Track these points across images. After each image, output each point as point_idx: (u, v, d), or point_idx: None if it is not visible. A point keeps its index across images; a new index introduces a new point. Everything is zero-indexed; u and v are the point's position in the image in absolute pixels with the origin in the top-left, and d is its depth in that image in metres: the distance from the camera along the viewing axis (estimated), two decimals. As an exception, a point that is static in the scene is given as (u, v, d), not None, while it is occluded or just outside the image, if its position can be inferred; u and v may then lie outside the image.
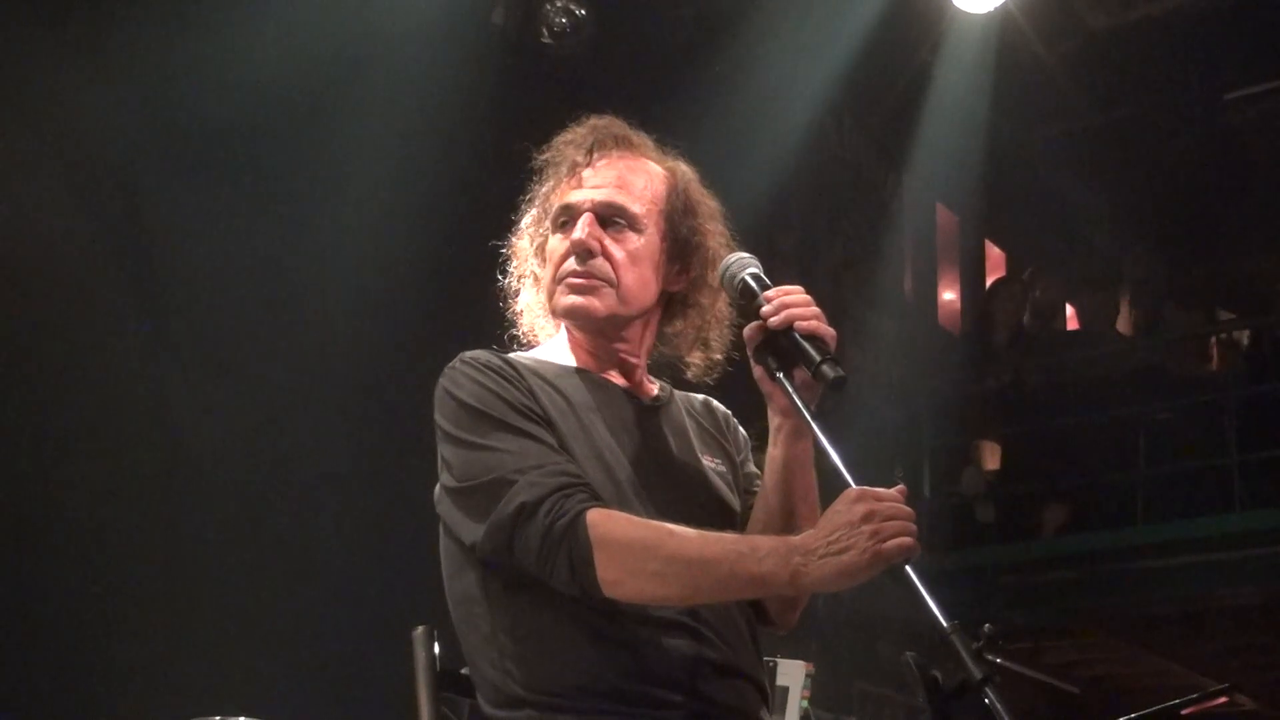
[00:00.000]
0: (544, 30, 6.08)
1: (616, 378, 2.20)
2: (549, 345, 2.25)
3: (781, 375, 2.03)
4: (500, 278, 2.32)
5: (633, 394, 2.19)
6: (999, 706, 1.65)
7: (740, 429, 2.36)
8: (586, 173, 2.18)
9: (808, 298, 2.02)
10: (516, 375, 2.07)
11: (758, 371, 2.08)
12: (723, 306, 2.23)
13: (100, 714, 4.41)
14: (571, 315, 2.15)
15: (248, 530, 5.09)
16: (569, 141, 2.23)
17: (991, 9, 7.00)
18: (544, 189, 2.24)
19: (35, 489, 4.56)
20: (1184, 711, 3.03)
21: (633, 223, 2.15)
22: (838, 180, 8.43)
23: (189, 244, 5.11)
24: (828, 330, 2.00)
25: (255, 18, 5.02)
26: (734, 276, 2.12)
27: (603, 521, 1.89)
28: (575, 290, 2.13)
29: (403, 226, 5.47)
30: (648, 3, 6.54)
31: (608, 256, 2.13)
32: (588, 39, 6.10)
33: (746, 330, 2.07)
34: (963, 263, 9.91)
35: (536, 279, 2.24)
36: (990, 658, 1.69)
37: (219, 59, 5.00)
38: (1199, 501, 7.42)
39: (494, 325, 2.30)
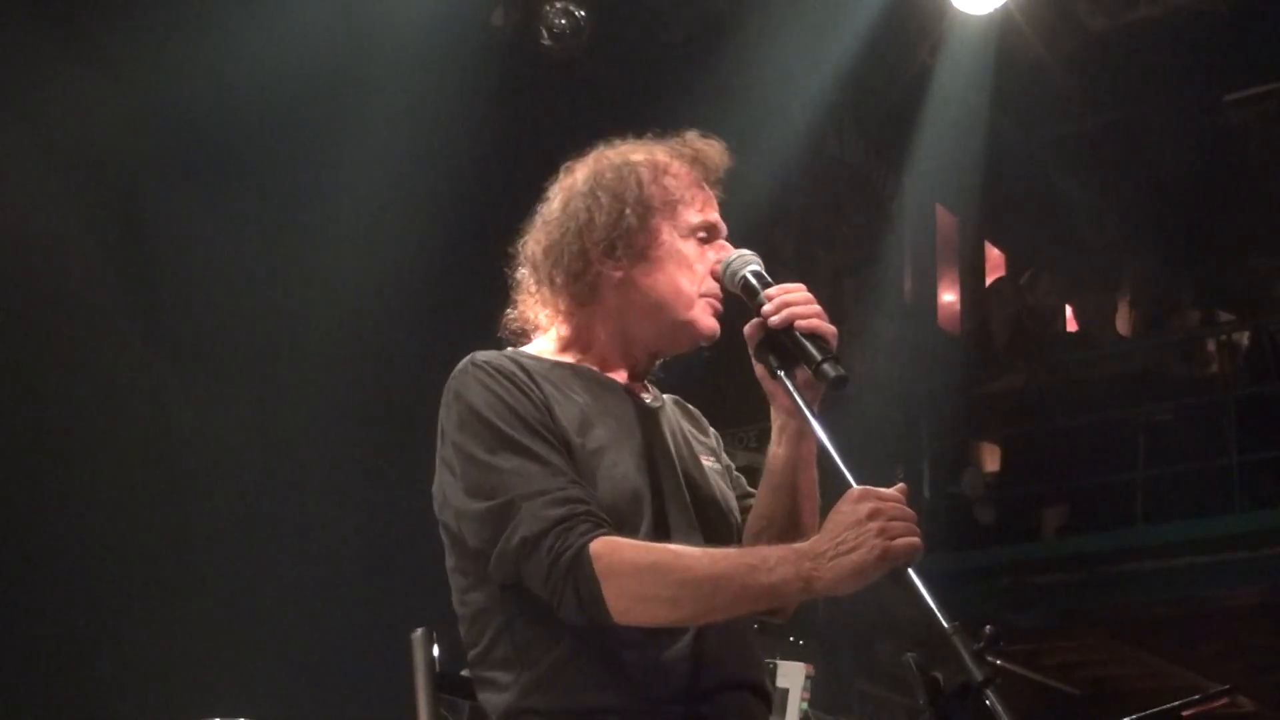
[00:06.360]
0: (544, 32, 6.07)
1: (622, 379, 2.18)
2: (551, 340, 2.20)
3: (783, 374, 2.02)
4: (501, 278, 2.29)
5: (636, 395, 2.18)
6: (1000, 708, 1.65)
7: (711, 428, 2.35)
8: (709, 196, 2.21)
9: (809, 296, 2.02)
10: (529, 383, 2.03)
11: (759, 370, 2.07)
12: None
13: (100, 714, 4.41)
14: (707, 336, 2.16)
15: (247, 532, 5.09)
16: (702, 149, 2.22)
17: (991, 9, 6.99)
18: (665, 170, 2.18)
19: (35, 490, 4.56)
20: (1185, 713, 3.03)
21: None
22: (837, 181, 8.42)
23: (189, 246, 5.12)
24: (829, 329, 1.99)
25: (255, 21, 5.03)
26: (736, 274, 2.11)
27: (607, 553, 1.88)
28: (716, 315, 2.16)
29: (403, 228, 5.47)
30: (648, 3, 6.54)
31: None
32: (587, 40, 6.10)
33: (747, 328, 2.06)
34: (962, 264, 9.90)
35: (614, 254, 2.13)
36: (990, 659, 1.69)
37: (220, 62, 5.00)
38: (1199, 502, 7.41)
39: (495, 327, 2.28)
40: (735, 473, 2.29)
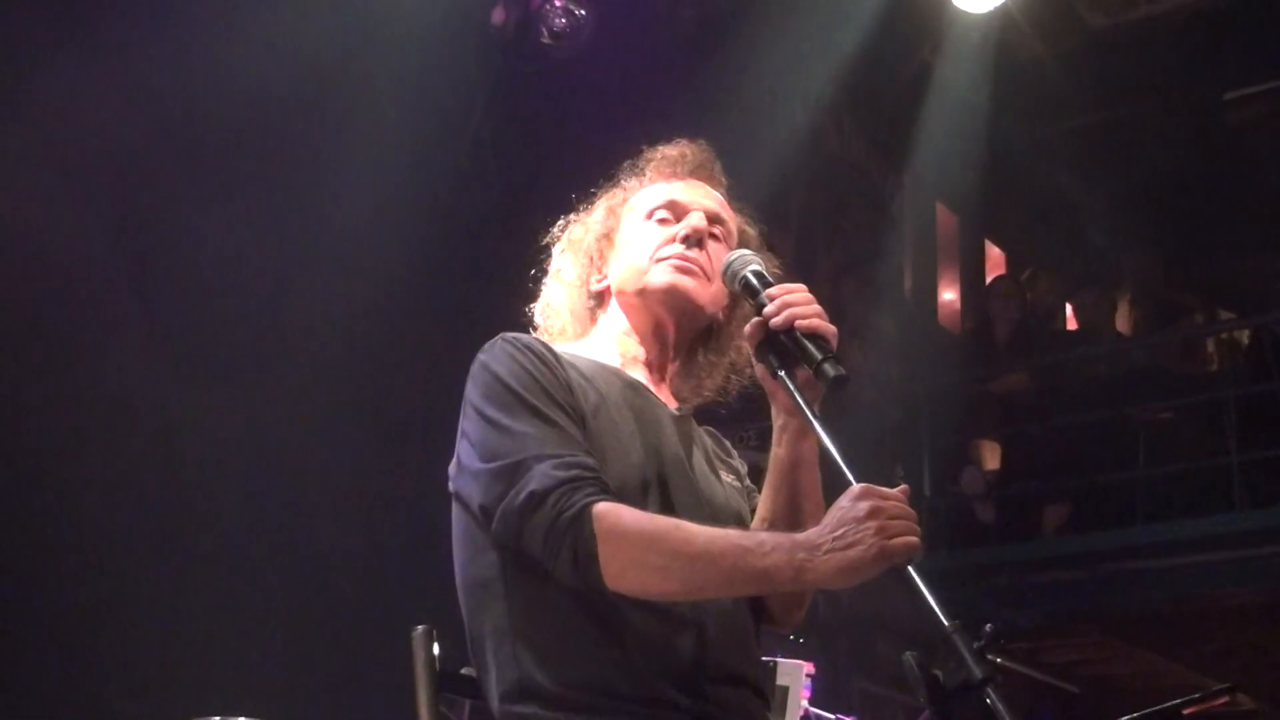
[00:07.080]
0: (544, 31, 6.07)
1: (649, 382, 2.21)
2: (583, 343, 2.26)
3: (783, 374, 2.02)
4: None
5: (662, 401, 2.20)
6: (1000, 706, 1.65)
7: (738, 456, 2.38)
8: (682, 185, 2.27)
9: (809, 296, 2.02)
10: (556, 363, 2.08)
11: (759, 370, 2.08)
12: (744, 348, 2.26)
13: (100, 714, 4.41)
14: (672, 294, 2.18)
15: (248, 530, 5.08)
16: (666, 155, 2.31)
17: (991, 9, 7.01)
18: (623, 188, 2.30)
19: (35, 490, 4.55)
20: (1185, 711, 3.03)
21: (727, 238, 2.24)
22: (838, 180, 8.43)
23: (188, 244, 5.11)
24: (829, 328, 1.99)
25: (255, 18, 5.02)
26: (736, 274, 2.12)
27: (609, 514, 1.89)
28: (682, 271, 2.18)
29: (402, 227, 5.47)
30: (648, 3, 6.54)
31: (709, 256, 2.19)
32: (587, 39, 6.10)
33: (748, 328, 2.07)
34: (962, 262, 9.91)
35: (593, 269, 2.28)
36: (991, 657, 1.69)
37: (218, 59, 5.00)
38: (1199, 501, 7.41)
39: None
40: (755, 494, 2.29)
